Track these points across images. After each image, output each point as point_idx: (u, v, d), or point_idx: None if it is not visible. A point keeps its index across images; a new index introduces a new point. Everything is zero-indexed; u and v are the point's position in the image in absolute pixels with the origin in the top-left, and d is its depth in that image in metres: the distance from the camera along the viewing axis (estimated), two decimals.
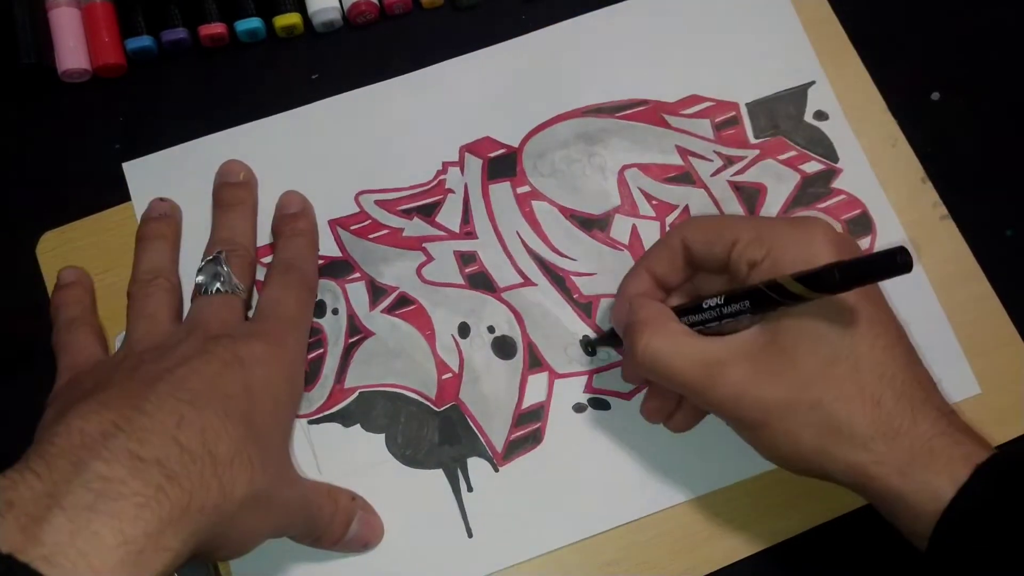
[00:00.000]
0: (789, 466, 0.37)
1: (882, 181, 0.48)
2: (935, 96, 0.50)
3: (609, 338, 0.44)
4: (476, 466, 0.45)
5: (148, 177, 0.49)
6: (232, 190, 0.47)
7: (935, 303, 0.46)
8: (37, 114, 0.51)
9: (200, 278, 0.44)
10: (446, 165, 0.49)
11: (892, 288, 0.38)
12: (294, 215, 0.47)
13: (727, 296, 0.37)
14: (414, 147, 0.49)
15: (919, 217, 0.48)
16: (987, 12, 0.52)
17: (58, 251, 0.48)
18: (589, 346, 0.46)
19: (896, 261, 0.31)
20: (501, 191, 0.48)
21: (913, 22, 0.52)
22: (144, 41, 0.51)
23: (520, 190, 0.48)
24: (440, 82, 0.50)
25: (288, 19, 0.51)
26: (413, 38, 0.52)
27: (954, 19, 0.52)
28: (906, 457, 0.34)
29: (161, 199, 0.47)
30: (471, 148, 0.49)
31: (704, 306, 0.38)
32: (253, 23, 0.51)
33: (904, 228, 0.47)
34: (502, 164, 0.49)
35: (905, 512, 0.35)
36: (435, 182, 0.49)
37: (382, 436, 0.45)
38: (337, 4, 0.51)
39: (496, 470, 0.44)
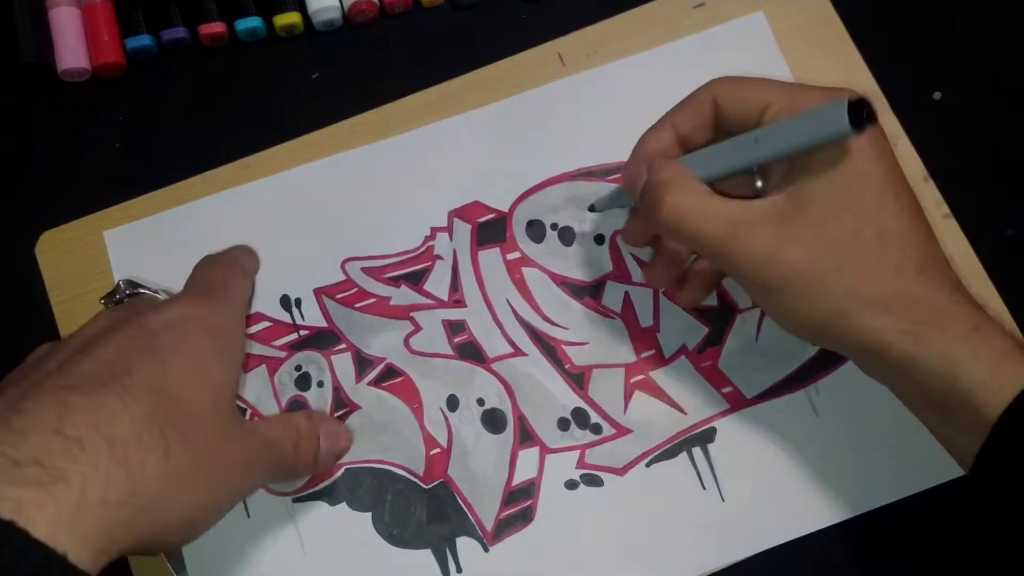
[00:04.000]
0: (805, 332, 0.38)
1: None
2: (936, 96, 0.50)
3: (615, 198, 0.45)
4: (465, 546, 0.43)
5: (128, 245, 0.47)
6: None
7: None
8: (37, 113, 0.51)
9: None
10: (434, 231, 0.48)
11: None
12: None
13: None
14: (401, 212, 0.48)
15: None
16: (987, 12, 0.51)
17: (57, 251, 0.48)
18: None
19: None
20: (491, 257, 0.47)
21: (913, 22, 0.51)
22: (144, 40, 0.51)
23: (510, 256, 0.47)
24: (427, 144, 0.49)
25: (288, 18, 0.51)
26: (413, 37, 0.52)
27: (954, 19, 0.51)
28: (922, 323, 0.35)
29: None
30: (460, 213, 0.48)
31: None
32: (253, 22, 0.51)
33: None
34: (492, 229, 0.48)
35: (917, 378, 0.35)
36: (423, 248, 0.47)
37: (368, 515, 0.44)
38: (337, 3, 0.51)
39: (486, 550, 0.43)
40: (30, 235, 0.48)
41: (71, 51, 0.50)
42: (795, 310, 0.36)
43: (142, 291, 0.45)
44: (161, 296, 0.45)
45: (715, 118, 0.39)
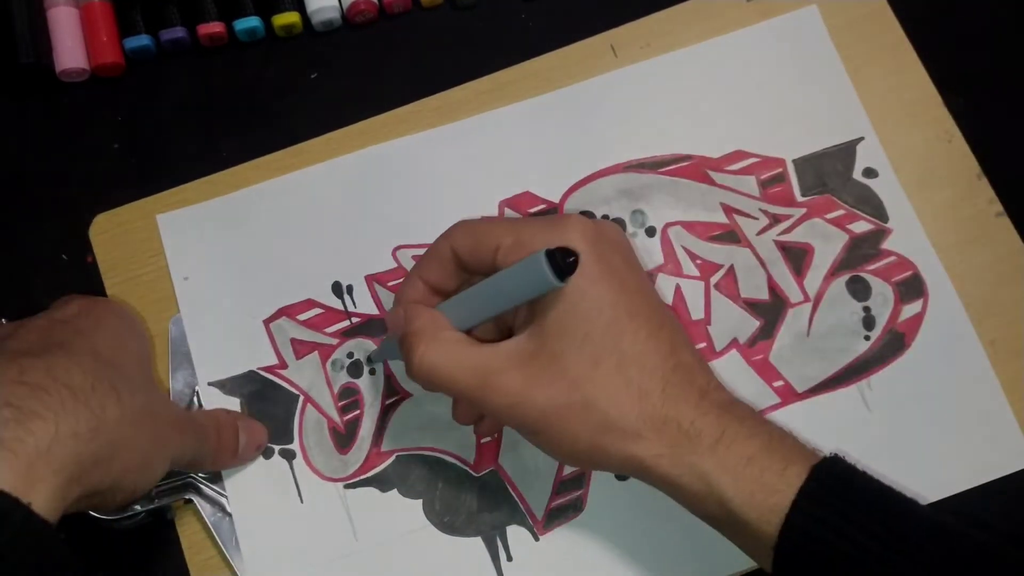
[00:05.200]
0: (573, 462, 0.39)
1: (931, 231, 0.47)
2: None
3: (387, 350, 0.44)
4: (516, 534, 0.43)
5: (181, 229, 0.48)
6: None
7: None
8: (35, 114, 0.51)
9: None
10: None
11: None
12: None
13: None
14: (452, 201, 0.48)
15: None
16: (986, 12, 0.52)
17: (110, 233, 0.48)
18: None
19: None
20: None
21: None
22: (142, 40, 0.51)
23: None
24: (479, 134, 0.49)
25: (287, 18, 0.51)
26: (412, 37, 0.52)
27: (1009, 14, 0.51)
28: (672, 444, 0.35)
29: None
30: (510, 203, 0.48)
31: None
32: (252, 22, 0.51)
33: (956, 283, 0.46)
34: None
35: (682, 496, 0.36)
36: None
37: (420, 502, 0.44)
38: (336, 3, 0.51)
39: (536, 539, 0.43)
40: (27, 236, 0.49)
41: (69, 51, 0.50)
42: (556, 446, 0.37)
43: None
44: None
45: (458, 264, 0.39)
